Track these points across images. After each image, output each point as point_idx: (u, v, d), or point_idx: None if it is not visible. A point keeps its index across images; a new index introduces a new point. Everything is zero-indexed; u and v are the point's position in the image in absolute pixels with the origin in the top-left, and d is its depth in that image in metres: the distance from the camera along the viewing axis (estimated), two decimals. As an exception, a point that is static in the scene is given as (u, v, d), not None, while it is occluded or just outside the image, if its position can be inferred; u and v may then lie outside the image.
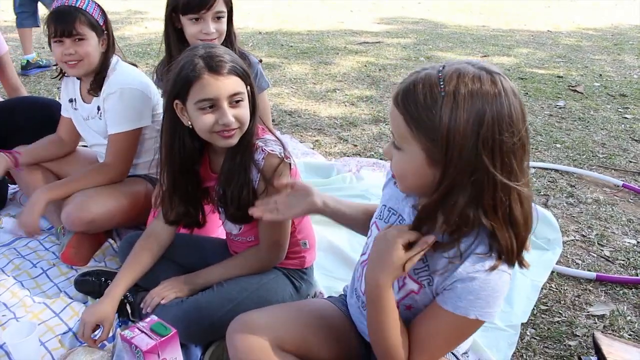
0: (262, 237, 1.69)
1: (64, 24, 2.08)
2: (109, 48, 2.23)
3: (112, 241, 2.35)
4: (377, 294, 1.14)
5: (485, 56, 6.05)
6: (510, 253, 1.07)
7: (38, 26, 4.98)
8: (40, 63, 5.14)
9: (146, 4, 9.10)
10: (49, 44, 2.17)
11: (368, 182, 2.80)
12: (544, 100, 4.45)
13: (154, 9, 8.62)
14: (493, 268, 1.07)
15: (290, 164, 1.59)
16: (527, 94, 4.64)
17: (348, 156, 3.29)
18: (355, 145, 3.49)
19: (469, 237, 1.09)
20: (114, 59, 2.25)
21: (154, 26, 7.34)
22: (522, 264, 1.11)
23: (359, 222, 1.48)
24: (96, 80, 2.21)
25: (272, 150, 1.57)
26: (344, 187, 2.75)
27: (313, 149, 3.38)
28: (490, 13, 9.46)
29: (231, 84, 1.51)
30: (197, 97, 1.50)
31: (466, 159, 1.00)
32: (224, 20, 2.11)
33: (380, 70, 5.36)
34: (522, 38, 7.18)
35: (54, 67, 2.37)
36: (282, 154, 1.57)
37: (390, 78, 5.06)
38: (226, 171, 1.59)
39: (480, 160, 1.00)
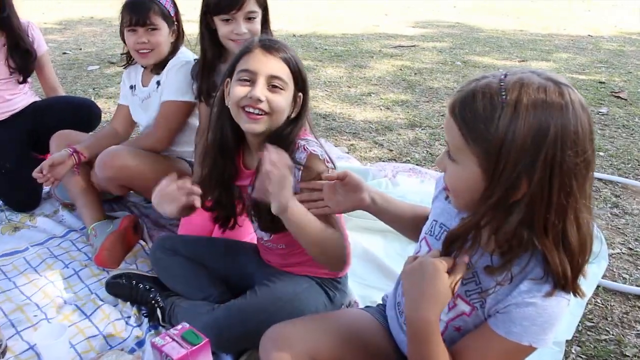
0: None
1: (138, 14, 2.19)
2: (179, 38, 2.34)
3: (143, 243, 2.33)
4: (426, 330, 1.05)
5: (523, 61, 5.90)
6: (563, 279, 0.99)
7: None
8: None
9: (182, 5, 9.18)
10: (121, 34, 2.28)
11: (404, 187, 2.73)
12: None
13: (188, 10, 8.69)
14: (550, 294, 1.00)
15: (330, 169, 1.50)
16: (567, 99, 4.49)
17: (384, 161, 3.22)
18: (391, 150, 3.42)
19: (521, 259, 1.01)
20: (182, 49, 2.35)
21: (189, 28, 7.35)
22: (576, 293, 1.03)
23: (405, 224, 1.41)
24: (161, 63, 2.31)
25: (314, 151, 1.48)
26: (380, 193, 2.67)
27: (348, 153, 3.32)
28: (527, 17, 9.27)
29: (277, 66, 1.46)
30: (240, 67, 1.47)
31: (520, 173, 0.93)
32: (257, 20, 2.09)
33: (415, 74, 5.28)
34: (562, 43, 7.00)
35: (122, 55, 2.44)
36: (324, 157, 1.50)
37: (426, 82, 4.97)
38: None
39: (536, 178, 0.93)
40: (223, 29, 2.08)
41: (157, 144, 2.28)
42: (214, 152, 1.57)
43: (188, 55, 2.34)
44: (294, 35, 7.18)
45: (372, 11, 9.57)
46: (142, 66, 2.38)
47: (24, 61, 2.70)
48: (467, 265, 1.06)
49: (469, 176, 0.99)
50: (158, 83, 2.32)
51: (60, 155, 2.27)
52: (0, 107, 2.73)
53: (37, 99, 2.90)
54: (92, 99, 2.91)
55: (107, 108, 4.09)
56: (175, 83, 2.25)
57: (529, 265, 1.01)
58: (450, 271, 1.06)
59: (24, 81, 2.77)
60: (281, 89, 1.47)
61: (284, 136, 1.49)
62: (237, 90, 1.46)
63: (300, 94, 1.52)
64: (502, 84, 0.95)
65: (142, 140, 2.30)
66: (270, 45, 1.47)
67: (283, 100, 1.48)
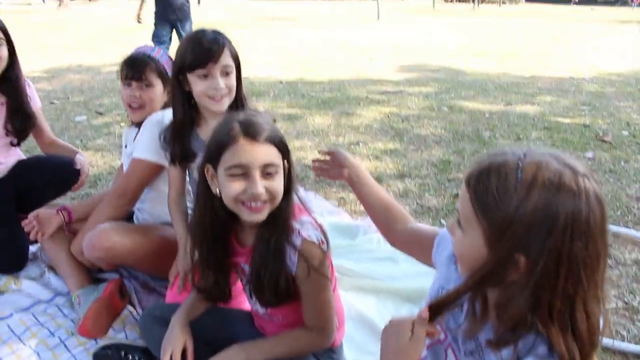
0: (307, 315, 1.57)
1: (134, 69, 2.24)
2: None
3: (131, 308, 2.27)
4: None
5: (509, 105, 5.98)
6: None
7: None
8: None
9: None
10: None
11: (396, 243, 2.69)
12: (572, 152, 4.35)
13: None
14: None
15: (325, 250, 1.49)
16: (554, 144, 4.54)
17: (374, 214, 3.19)
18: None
19: (527, 337, 0.98)
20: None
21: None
22: None
23: (375, 213, 1.58)
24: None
25: (309, 237, 1.46)
26: (371, 249, 2.65)
27: (338, 206, 3.29)
28: (510, 59, 9.44)
29: (266, 153, 1.43)
30: (229, 163, 1.42)
31: (518, 250, 0.93)
32: (233, 76, 2.01)
33: (403, 121, 5.31)
34: (544, 85, 7.12)
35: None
36: (319, 239, 1.47)
37: (413, 129, 5.00)
38: (259, 254, 1.49)
39: (542, 263, 0.92)
40: (199, 85, 1.97)
41: (121, 204, 2.23)
42: (205, 236, 1.54)
43: (170, 111, 2.26)
44: (281, 82, 7.24)
45: (357, 55, 9.70)
46: (132, 122, 2.36)
47: (24, 125, 2.68)
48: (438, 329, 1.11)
49: (474, 247, 1.00)
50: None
51: (47, 211, 2.26)
52: None
53: (23, 156, 2.86)
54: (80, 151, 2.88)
55: (94, 161, 4.05)
56: (146, 140, 2.18)
57: (535, 343, 0.98)
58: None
59: (18, 144, 2.74)
60: (275, 172, 1.45)
61: (278, 216, 1.47)
62: (233, 187, 1.43)
63: (286, 161, 1.50)
64: (519, 163, 0.96)
65: (107, 197, 2.30)
66: (253, 131, 1.42)
67: (280, 183, 1.47)
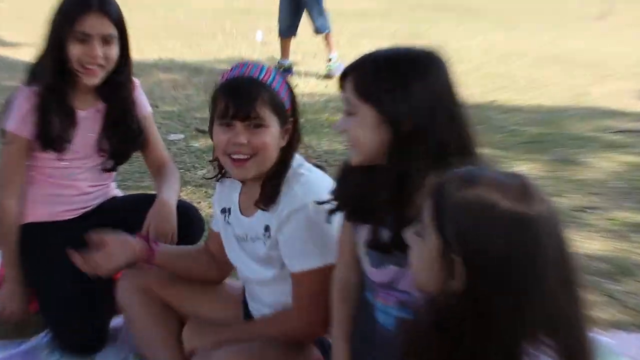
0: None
1: (239, 102, 2.14)
2: (293, 142, 2.28)
3: None
4: None
5: None
6: None
7: (294, 35, 8.46)
8: (289, 69, 8.31)
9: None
10: (210, 128, 2.25)
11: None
12: None
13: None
14: None
15: None
16: None
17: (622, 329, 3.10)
18: (635, 310, 3.26)
19: None
20: (297, 159, 2.30)
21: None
22: None
23: None
24: (270, 187, 2.25)
25: None
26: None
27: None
28: None
29: None
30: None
31: None
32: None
33: (657, 178, 5.14)
34: None
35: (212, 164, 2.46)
36: None
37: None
38: None
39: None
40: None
41: (302, 330, 2.28)
42: None
43: (314, 180, 2.27)
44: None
45: (578, 71, 9.48)
46: (241, 181, 2.35)
47: (124, 146, 2.87)
48: None
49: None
50: (267, 229, 2.27)
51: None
52: (73, 201, 2.89)
53: (118, 192, 3.03)
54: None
55: (195, 201, 4.22)
56: (308, 240, 2.21)
57: None
58: None
59: (113, 169, 2.93)
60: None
61: None
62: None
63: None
64: None
65: (278, 327, 2.33)
66: None
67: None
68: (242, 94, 2.16)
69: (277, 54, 8.62)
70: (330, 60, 8.37)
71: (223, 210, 2.47)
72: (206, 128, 2.42)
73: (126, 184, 4.36)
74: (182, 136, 5.63)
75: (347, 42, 10.04)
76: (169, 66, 8.80)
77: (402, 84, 1.79)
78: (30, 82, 2.76)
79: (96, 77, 2.69)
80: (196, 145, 5.43)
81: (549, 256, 1.35)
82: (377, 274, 1.97)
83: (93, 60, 2.64)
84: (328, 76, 8.22)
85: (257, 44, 10.23)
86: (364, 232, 1.97)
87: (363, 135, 1.84)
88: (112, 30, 2.68)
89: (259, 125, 2.16)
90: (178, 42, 10.51)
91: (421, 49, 1.89)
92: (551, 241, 1.36)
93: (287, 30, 8.37)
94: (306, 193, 2.20)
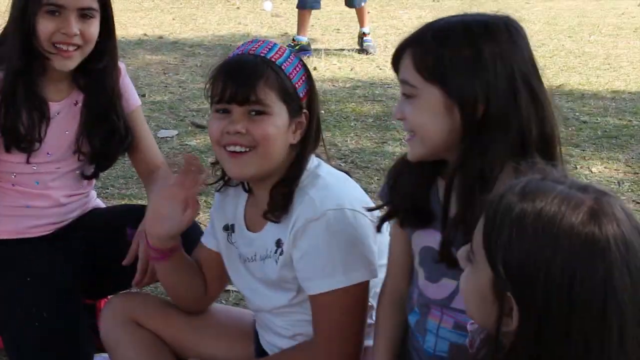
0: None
1: (238, 84, 2.16)
2: (308, 140, 2.28)
3: None
4: None
5: None
6: None
7: (319, 8, 8.59)
8: (307, 48, 8.34)
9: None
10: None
11: None
12: None
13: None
14: None
15: None
16: None
17: None
18: None
19: None
20: (314, 160, 2.30)
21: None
22: None
23: None
24: (280, 193, 2.25)
25: None
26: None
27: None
28: None
29: None
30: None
31: None
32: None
33: None
34: None
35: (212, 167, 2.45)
36: None
37: None
38: None
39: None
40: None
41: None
42: None
43: (334, 184, 2.28)
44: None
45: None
46: (245, 188, 2.38)
47: (107, 147, 2.84)
48: None
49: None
50: (279, 244, 2.29)
51: None
52: (45, 214, 2.86)
53: (99, 203, 3.05)
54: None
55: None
56: (330, 255, 2.21)
57: None
58: None
59: (94, 176, 2.94)
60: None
61: None
62: None
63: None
64: None
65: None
66: None
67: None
68: (241, 73, 2.18)
69: (292, 29, 8.59)
70: (364, 34, 8.63)
71: (226, 228, 2.45)
72: (204, 122, 2.42)
73: (107, 192, 4.34)
74: (174, 132, 5.60)
75: (378, 14, 10.05)
76: (157, 45, 8.85)
77: (474, 58, 1.75)
78: None
79: (71, 60, 2.64)
80: (192, 143, 5.39)
81: (626, 292, 1.27)
82: (433, 290, 1.98)
83: (67, 38, 2.59)
84: (364, 51, 8.58)
85: (266, 15, 10.24)
86: (420, 240, 1.99)
87: (427, 122, 1.81)
88: (92, 3, 2.63)
89: (261, 112, 2.17)
90: (168, 14, 10.54)
91: (494, 14, 1.86)
92: (629, 273, 1.27)
93: None
94: (325, 199, 2.19)
